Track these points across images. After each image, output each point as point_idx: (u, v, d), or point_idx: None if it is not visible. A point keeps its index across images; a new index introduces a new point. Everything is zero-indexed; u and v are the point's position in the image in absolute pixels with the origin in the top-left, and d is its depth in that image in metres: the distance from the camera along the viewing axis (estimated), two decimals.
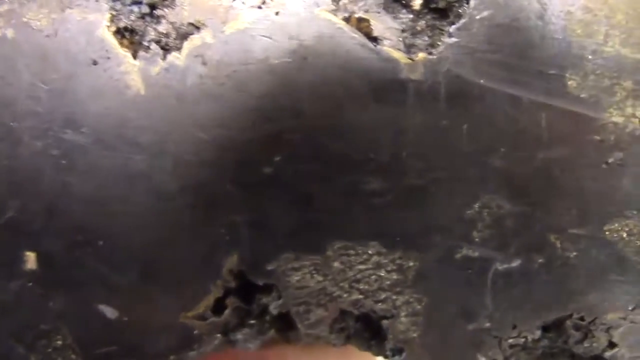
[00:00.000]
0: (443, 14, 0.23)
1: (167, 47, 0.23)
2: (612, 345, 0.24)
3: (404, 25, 0.23)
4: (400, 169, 0.22)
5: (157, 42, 0.23)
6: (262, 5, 0.22)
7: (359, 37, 0.22)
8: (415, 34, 0.23)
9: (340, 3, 0.23)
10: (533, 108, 0.22)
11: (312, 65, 0.22)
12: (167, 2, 0.23)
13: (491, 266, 0.23)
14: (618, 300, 0.23)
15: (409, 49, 0.23)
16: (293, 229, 0.23)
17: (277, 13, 0.22)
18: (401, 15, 0.24)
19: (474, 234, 0.23)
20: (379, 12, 0.23)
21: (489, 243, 0.23)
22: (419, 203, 0.23)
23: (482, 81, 0.22)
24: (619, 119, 0.23)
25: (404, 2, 0.23)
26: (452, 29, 0.22)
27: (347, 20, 0.23)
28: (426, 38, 0.23)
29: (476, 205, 0.23)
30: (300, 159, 0.22)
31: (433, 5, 0.23)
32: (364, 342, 0.24)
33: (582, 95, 0.22)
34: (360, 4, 0.24)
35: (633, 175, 0.23)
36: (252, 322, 0.24)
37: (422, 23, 0.23)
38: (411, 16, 0.23)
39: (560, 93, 0.22)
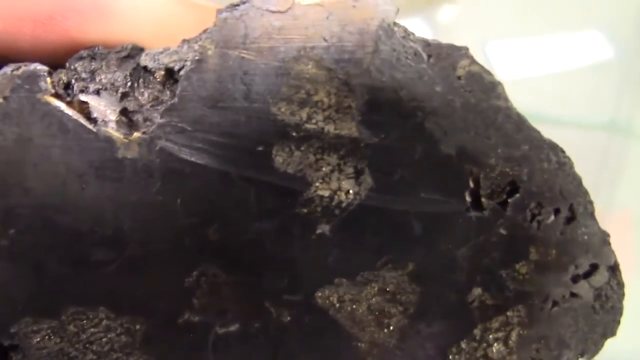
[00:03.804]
0: None
1: None
2: None
3: (151, 97, 0.25)
4: (123, 241, 0.24)
5: None
6: None
7: (79, 119, 0.24)
8: (156, 105, 0.25)
9: (55, 77, 0.24)
10: (242, 184, 0.24)
11: (37, 146, 0.24)
12: None
13: (211, 330, 0.25)
14: None
15: (145, 121, 0.24)
16: (30, 296, 0.25)
17: (4, 98, 0.24)
18: (151, 86, 0.25)
19: (193, 300, 0.24)
20: (100, 95, 0.24)
21: (208, 309, 0.24)
22: (141, 272, 0.24)
23: (193, 159, 0.24)
24: (325, 192, 0.24)
25: (150, 72, 0.25)
26: (161, 109, 0.24)
27: (69, 103, 0.24)
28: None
29: (194, 274, 0.24)
30: (31, 232, 0.24)
31: (176, 77, 0.24)
32: None
33: (289, 171, 0.24)
34: (109, 76, 0.25)
35: (341, 245, 0.24)
36: None
37: (167, 93, 0.25)
38: (159, 87, 0.25)
39: (267, 169, 0.24)
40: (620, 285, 0.25)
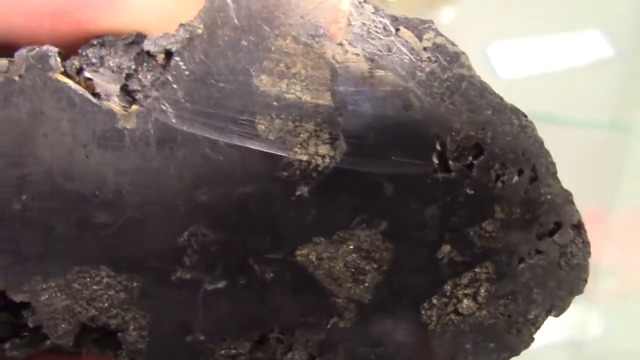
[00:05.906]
0: None
1: None
2: (312, 357, 0.27)
3: (153, 78, 0.27)
4: (122, 204, 0.26)
5: None
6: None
7: (84, 94, 0.26)
8: (157, 85, 0.27)
9: (68, 63, 0.27)
10: (229, 150, 0.26)
11: (48, 119, 0.26)
12: None
13: (201, 286, 0.27)
14: (312, 318, 0.27)
15: (146, 98, 0.27)
16: (40, 256, 0.27)
17: (20, 76, 0.27)
18: (153, 69, 0.28)
19: (184, 258, 0.27)
20: (103, 73, 0.27)
21: (198, 267, 0.27)
22: (138, 233, 0.27)
23: (184, 128, 0.26)
24: (303, 157, 0.26)
25: (153, 56, 0.27)
26: (157, 84, 0.26)
27: (76, 80, 0.27)
28: None
29: (185, 234, 0.26)
30: (42, 197, 0.27)
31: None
32: (113, 352, 0.28)
33: (270, 137, 0.26)
34: (116, 59, 0.28)
35: (319, 205, 0.26)
36: (25, 333, 0.29)
37: (166, 73, 0.27)
38: (160, 69, 0.27)
39: (251, 136, 0.26)
40: (586, 243, 0.26)
